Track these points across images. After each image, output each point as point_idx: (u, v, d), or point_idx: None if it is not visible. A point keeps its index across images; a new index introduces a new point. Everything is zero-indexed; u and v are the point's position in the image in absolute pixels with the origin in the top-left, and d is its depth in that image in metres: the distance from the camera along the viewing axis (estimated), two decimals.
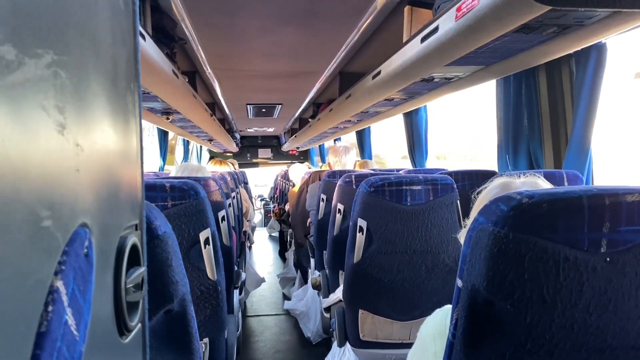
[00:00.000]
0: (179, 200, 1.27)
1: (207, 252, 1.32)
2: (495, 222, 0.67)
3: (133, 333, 0.47)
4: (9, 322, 0.25)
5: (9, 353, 0.25)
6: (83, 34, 0.36)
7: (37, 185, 0.28)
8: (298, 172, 4.73)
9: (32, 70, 0.28)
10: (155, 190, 1.26)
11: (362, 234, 1.73)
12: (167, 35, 2.43)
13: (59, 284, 0.30)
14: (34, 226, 0.27)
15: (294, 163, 8.62)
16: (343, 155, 3.42)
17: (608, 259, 0.67)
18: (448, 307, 1.00)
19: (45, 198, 0.29)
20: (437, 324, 1.00)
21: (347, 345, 1.96)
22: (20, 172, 0.26)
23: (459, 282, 0.74)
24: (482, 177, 2.30)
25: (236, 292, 2.25)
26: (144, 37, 1.64)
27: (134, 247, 0.47)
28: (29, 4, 0.28)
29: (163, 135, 5.71)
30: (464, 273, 0.73)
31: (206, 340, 1.36)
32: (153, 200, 1.24)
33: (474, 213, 1.00)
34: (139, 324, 0.50)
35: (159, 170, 5.55)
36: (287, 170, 7.19)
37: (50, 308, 0.29)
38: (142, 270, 0.48)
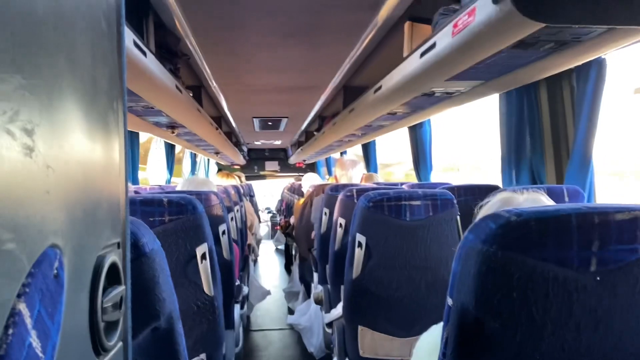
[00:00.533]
0: (176, 215, 1.28)
1: (204, 267, 1.32)
2: (484, 240, 0.67)
3: (112, 353, 0.47)
4: None
5: None
6: (56, 55, 0.37)
7: None
8: (310, 182, 4.74)
9: None
10: (152, 205, 1.26)
11: (361, 249, 1.72)
12: (170, 51, 2.46)
13: (22, 306, 0.30)
14: None
15: (301, 175, 8.62)
16: (350, 169, 3.41)
17: (598, 278, 0.66)
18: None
19: (8, 221, 0.29)
20: (433, 341, 0.99)
21: None
22: None
23: (449, 301, 0.74)
24: (484, 192, 2.27)
25: (237, 306, 2.24)
26: (144, 54, 1.66)
27: (113, 266, 0.47)
28: None
29: (170, 148, 5.75)
30: (454, 291, 0.72)
31: (203, 356, 1.36)
32: (150, 215, 1.25)
33: None
34: (120, 343, 0.50)
35: (166, 183, 5.57)
36: (293, 183, 7.20)
37: (10, 331, 0.29)
38: (121, 289, 0.48)
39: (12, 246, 0.29)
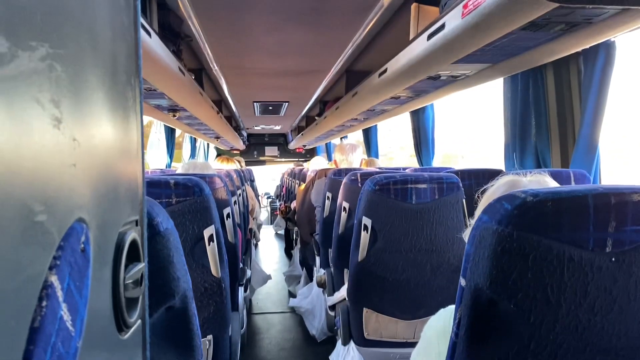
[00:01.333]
0: (183, 197, 1.27)
1: (211, 249, 1.32)
2: (499, 220, 0.66)
3: (132, 329, 0.47)
4: (1, 317, 0.25)
5: (1, 348, 0.25)
6: (80, 28, 0.36)
7: (30, 179, 0.27)
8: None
9: (25, 63, 0.27)
10: (159, 186, 1.26)
11: (367, 232, 1.73)
12: (173, 33, 2.43)
13: (54, 278, 0.30)
14: (27, 221, 0.27)
15: (301, 160, 8.59)
16: (350, 154, 3.40)
17: (613, 259, 0.66)
18: (452, 308, 1.00)
19: (39, 192, 0.28)
20: (441, 324, 0.99)
21: (352, 343, 1.96)
22: (13, 165, 0.26)
23: (463, 281, 0.74)
24: (488, 176, 2.28)
25: (241, 289, 2.25)
26: (149, 34, 1.64)
27: (133, 243, 0.47)
28: None
29: (170, 133, 5.73)
30: (468, 272, 0.72)
31: (210, 337, 1.37)
32: (157, 196, 1.24)
33: (479, 211, 0.99)
34: (139, 320, 0.50)
35: (166, 168, 5.57)
36: (294, 168, 7.19)
37: (44, 303, 0.29)
38: (141, 266, 0.48)
39: (44, 218, 0.29)
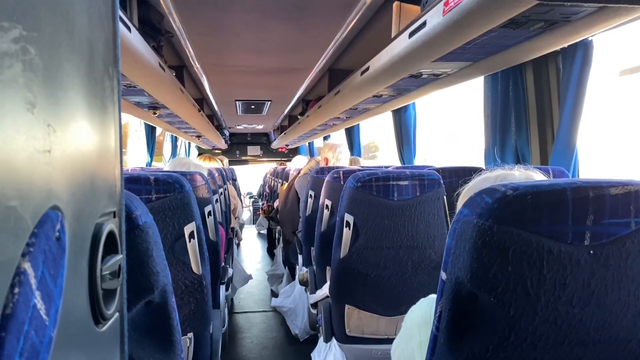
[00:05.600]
0: (163, 193, 1.26)
1: (192, 246, 1.30)
2: (480, 214, 0.67)
3: (110, 322, 0.46)
4: None
5: None
6: (55, 11, 0.35)
7: (1, 162, 0.27)
8: (298, 164, 4.75)
9: None
10: (139, 182, 1.24)
11: (349, 229, 1.73)
12: (153, 28, 2.41)
13: (27, 266, 0.29)
14: None
15: (284, 160, 8.57)
16: (341, 153, 3.40)
17: (592, 252, 0.67)
18: (433, 297, 1.00)
19: (12, 177, 0.28)
20: (422, 314, 0.99)
21: (333, 340, 1.96)
22: None
23: (443, 275, 0.74)
24: (469, 173, 2.29)
25: (222, 287, 2.23)
26: (129, 29, 1.62)
27: (110, 234, 0.46)
28: None
29: (151, 131, 5.67)
30: (448, 265, 0.72)
31: (191, 334, 1.35)
32: (137, 193, 1.22)
33: (459, 205, 1.00)
34: (117, 314, 0.49)
35: (147, 166, 5.51)
36: (276, 168, 7.17)
37: (16, 290, 0.28)
38: (119, 257, 0.47)
39: (16, 203, 0.28)
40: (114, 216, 0.50)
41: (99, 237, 0.43)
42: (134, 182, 1.24)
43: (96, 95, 0.44)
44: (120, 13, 1.52)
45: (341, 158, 3.35)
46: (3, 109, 0.27)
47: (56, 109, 0.34)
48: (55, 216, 0.34)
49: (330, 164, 3.29)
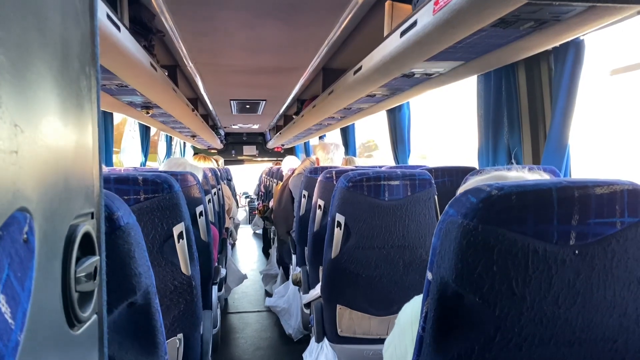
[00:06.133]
0: (151, 193, 1.25)
1: (181, 247, 1.30)
2: (465, 214, 0.67)
3: (87, 325, 0.46)
4: None
5: None
6: (25, 10, 0.34)
7: None
8: (289, 165, 4.74)
9: None
10: (127, 183, 1.23)
11: (340, 229, 1.72)
12: (144, 27, 2.39)
13: None
14: None
15: (280, 160, 8.56)
16: (334, 152, 3.39)
17: (577, 252, 0.66)
18: None
19: None
20: (415, 311, 0.99)
21: (325, 340, 1.95)
22: None
23: (429, 275, 0.74)
24: (462, 173, 2.30)
25: (215, 288, 2.22)
26: (118, 28, 1.61)
27: (86, 236, 0.45)
28: None
29: (145, 131, 5.65)
30: (434, 266, 0.72)
31: (180, 335, 1.34)
32: (125, 193, 1.22)
33: None
34: (95, 316, 0.48)
35: (141, 166, 5.49)
36: (272, 167, 7.16)
37: None
38: (95, 259, 0.46)
39: None
40: (92, 217, 0.49)
41: (73, 238, 0.42)
42: (122, 182, 1.23)
43: (71, 94, 0.44)
44: (109, 12, 1.52)
45: (334, 158, 3.34)
46: None
47: (24, 109, 0.34)
48: (23, 218, 0.33)
49: (324, 164, 3.28)
